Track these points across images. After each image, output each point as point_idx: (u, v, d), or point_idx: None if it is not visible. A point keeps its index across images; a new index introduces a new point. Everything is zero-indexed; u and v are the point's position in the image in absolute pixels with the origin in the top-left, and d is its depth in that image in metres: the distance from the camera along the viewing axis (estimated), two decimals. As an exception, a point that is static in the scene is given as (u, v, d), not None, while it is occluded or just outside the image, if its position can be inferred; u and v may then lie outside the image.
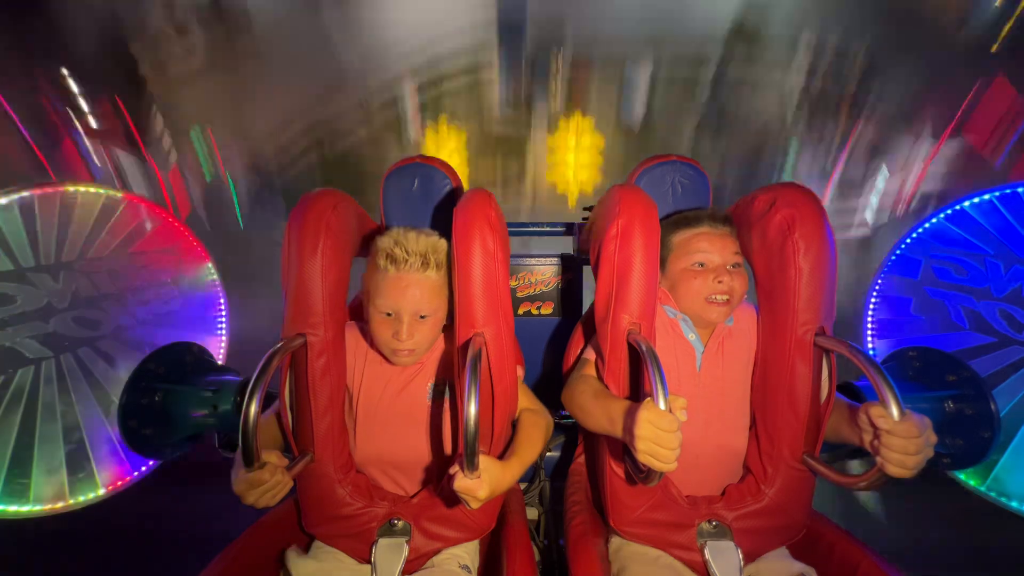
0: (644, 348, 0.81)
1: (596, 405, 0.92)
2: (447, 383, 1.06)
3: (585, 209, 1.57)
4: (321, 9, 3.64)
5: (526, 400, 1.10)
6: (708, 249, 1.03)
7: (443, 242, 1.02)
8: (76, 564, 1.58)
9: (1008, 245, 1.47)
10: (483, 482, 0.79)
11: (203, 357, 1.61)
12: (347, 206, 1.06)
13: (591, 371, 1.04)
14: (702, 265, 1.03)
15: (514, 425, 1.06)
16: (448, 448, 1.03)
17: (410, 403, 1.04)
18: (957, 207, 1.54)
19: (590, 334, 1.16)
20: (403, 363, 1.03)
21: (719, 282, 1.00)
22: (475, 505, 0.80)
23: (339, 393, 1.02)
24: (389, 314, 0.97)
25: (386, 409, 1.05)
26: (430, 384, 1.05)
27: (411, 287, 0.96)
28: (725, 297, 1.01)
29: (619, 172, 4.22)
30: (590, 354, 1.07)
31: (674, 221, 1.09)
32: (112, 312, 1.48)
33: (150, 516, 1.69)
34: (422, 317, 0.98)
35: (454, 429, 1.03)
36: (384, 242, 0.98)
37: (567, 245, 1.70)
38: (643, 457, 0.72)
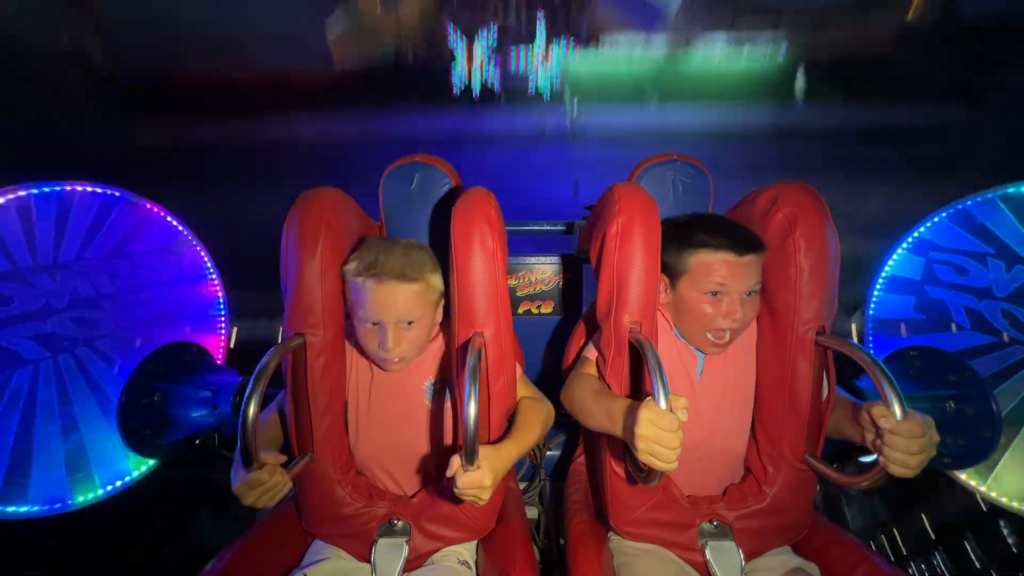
0: (645, 347, 0.81)
1: (596, 404, 0.91)
2: (445, 382, 1.05)
3: (585, 208, 1.57)
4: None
5: (526, 390, 1.09)
6: (727, 279, 0.94)
7: (422, 254, 1.02)
8: (75, 564, 1.58)
9: (1010, 244, 1.47)
10: (485, 470, 0.78)
11: (202, 357, 1.61)
12: (346, 205, 1.05)
13: (591, 370, 1.04)
14: (715, 294, 0.96)
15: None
16: (448, 446, 1.03)
17: (408, 403, 1.04)
18: (959, 206, 1.54)
19: (591, 332, 1.15)
20: (394, 370, 1.02)
21: (732, 319, 0.95)
22: (485, 496, 0.79)
23: (338, 393, 1.01)
24: (375, 323, 0.96)
25: (385, 410, 1.04)
26: (428, 383, 1.05)
27: (393, 295, 0.94)
28: (730, 331, 0.97)
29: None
30: (590, 353, 1.06)
31: (695, 238, 0.97)
32: (111, 312, 1.47)
33: (150, 516, 1.69)
34: (408, 324, 0.97)
35: (453, 427, 1.03)
36: (361, 257, 0.97)
37: (567, 244, 1.70)
38: (644, 456, 0.72)
